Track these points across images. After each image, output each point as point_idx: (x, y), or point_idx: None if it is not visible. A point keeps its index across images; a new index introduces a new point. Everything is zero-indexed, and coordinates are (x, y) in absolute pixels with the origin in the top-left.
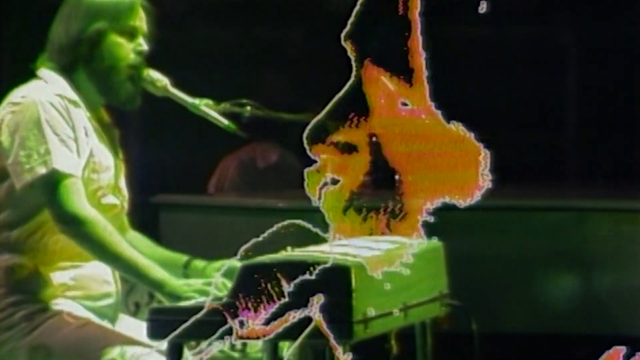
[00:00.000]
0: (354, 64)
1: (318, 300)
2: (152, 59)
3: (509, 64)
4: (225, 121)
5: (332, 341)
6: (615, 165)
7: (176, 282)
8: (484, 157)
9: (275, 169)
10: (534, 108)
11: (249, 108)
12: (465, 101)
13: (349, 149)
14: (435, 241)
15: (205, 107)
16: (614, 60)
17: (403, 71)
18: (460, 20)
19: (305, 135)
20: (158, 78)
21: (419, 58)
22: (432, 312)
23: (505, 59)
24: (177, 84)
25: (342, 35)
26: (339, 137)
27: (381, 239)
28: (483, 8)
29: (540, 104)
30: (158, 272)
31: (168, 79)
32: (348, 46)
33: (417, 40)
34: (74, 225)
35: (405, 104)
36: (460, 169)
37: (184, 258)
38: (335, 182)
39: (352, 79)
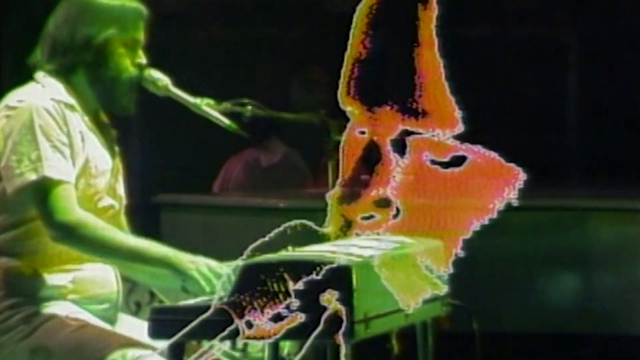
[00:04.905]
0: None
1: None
2: (153, 59)
3: (510, 64)
4: (226, 121)
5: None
6: (617, 165)
7: (181, 257)
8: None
9: (279, 168)
10: (536, 108)
11: (250, 108)
12: (465, 101)
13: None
14: (436, 241)
15: (207, 106)
16: (616, 60)
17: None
18: (460, 21)
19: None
20: (159, 78)
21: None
22: (433, 312)
23: (506, 59)
24: (178, 83)
25: (345, 93)
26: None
27: (383, 239)
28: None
29: (542, 103)
30: (160, 250)
31: (169, 78)
32: (350, 102)
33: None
34: (66, 232)
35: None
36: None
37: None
38: None
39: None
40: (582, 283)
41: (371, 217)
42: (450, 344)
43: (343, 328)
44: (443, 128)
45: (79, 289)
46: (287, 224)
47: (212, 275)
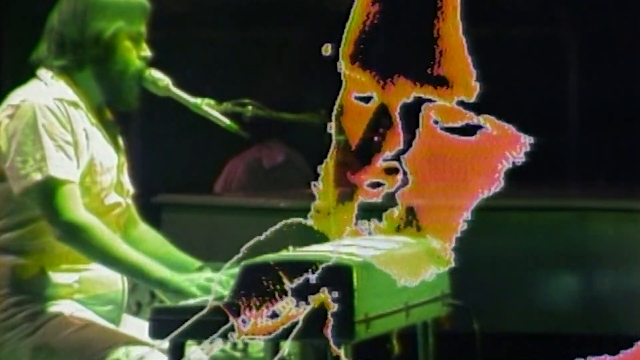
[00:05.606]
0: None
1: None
2: (153, 59)
3: (510, 64)
4: (226, 121)
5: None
6: (617, 165)
7: (178, 278)
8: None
9: (281, 168)
10: (535, 108)
11: (250, 108)
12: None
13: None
14: (437, 241)
15: (207, 106)
16: (616, 60)
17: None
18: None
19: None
20: (160, 77)
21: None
22: (433, 312)
23: (506, 59)
24: (178, 83)
25: (348, 58)
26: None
27: (383, 239)
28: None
29: (542, 103)
30: (159, 271)
31: (169, 78)
32: (357, 69)
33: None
34: (70, 233)
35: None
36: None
37: (197, 264)
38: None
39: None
40: (582, 283)
41: (377, 184)
42: (450, 344)
43: (329, 324)
44: (460, 95)
45: (85, 289)
46: (282, 222)
47: (210, 282)
